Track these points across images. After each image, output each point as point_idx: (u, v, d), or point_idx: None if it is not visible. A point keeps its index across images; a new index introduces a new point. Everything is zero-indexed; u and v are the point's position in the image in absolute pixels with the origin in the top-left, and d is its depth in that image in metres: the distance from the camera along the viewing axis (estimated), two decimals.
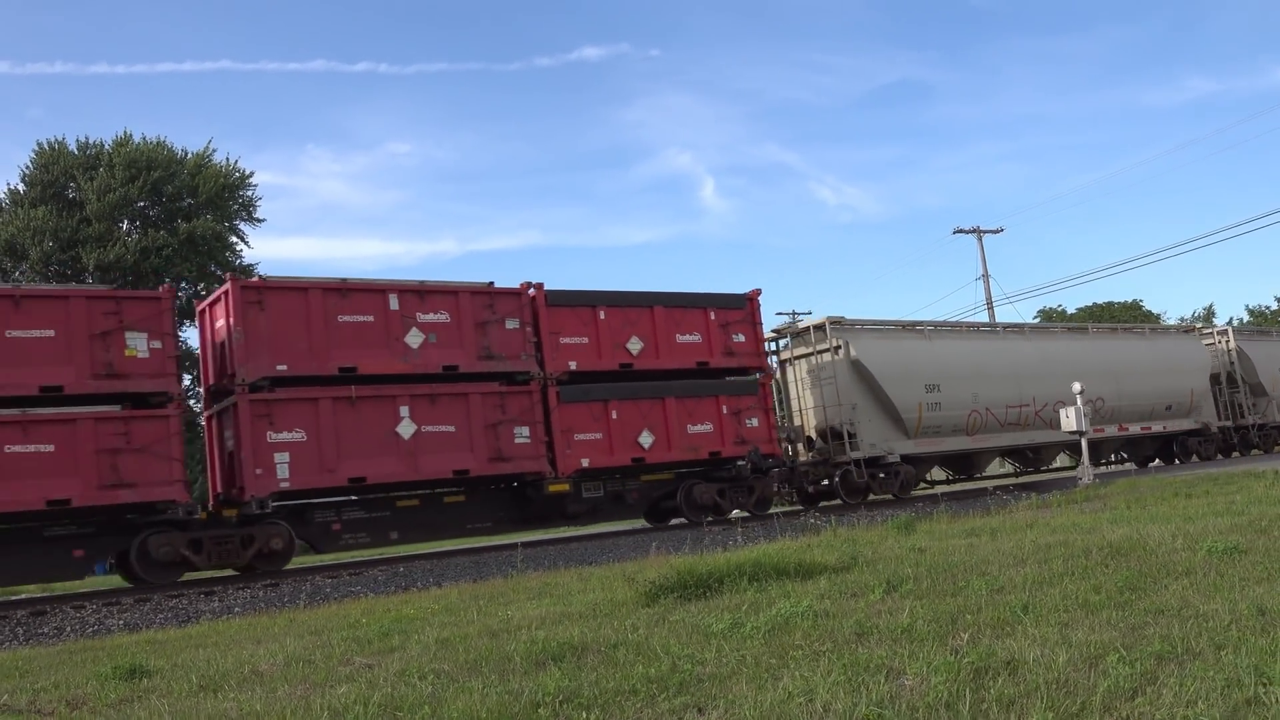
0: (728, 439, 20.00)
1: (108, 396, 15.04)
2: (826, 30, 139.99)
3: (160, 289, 15.96)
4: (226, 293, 16.31)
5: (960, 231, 49.59)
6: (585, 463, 18.41)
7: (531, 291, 18.59)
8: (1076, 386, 22.46)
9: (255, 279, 17.44)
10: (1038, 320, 69.20)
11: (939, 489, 25.72)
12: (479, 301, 17.88)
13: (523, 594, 10.32)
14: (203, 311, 17.69)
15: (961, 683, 4.48)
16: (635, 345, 19.46)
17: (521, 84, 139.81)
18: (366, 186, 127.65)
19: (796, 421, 23.59)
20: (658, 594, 8.08)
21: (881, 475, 22.81)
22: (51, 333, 14.60)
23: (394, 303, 17.11)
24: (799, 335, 24.21)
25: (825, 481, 23.04)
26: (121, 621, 12.41)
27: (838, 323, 23.46)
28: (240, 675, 6.68)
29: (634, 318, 19.58)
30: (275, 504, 15.89)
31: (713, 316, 20.45)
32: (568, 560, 15.14)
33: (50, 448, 14.29)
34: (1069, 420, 22.52)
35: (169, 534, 15.28)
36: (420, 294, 17.38)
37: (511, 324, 18.10)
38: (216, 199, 44.07)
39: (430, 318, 17.37)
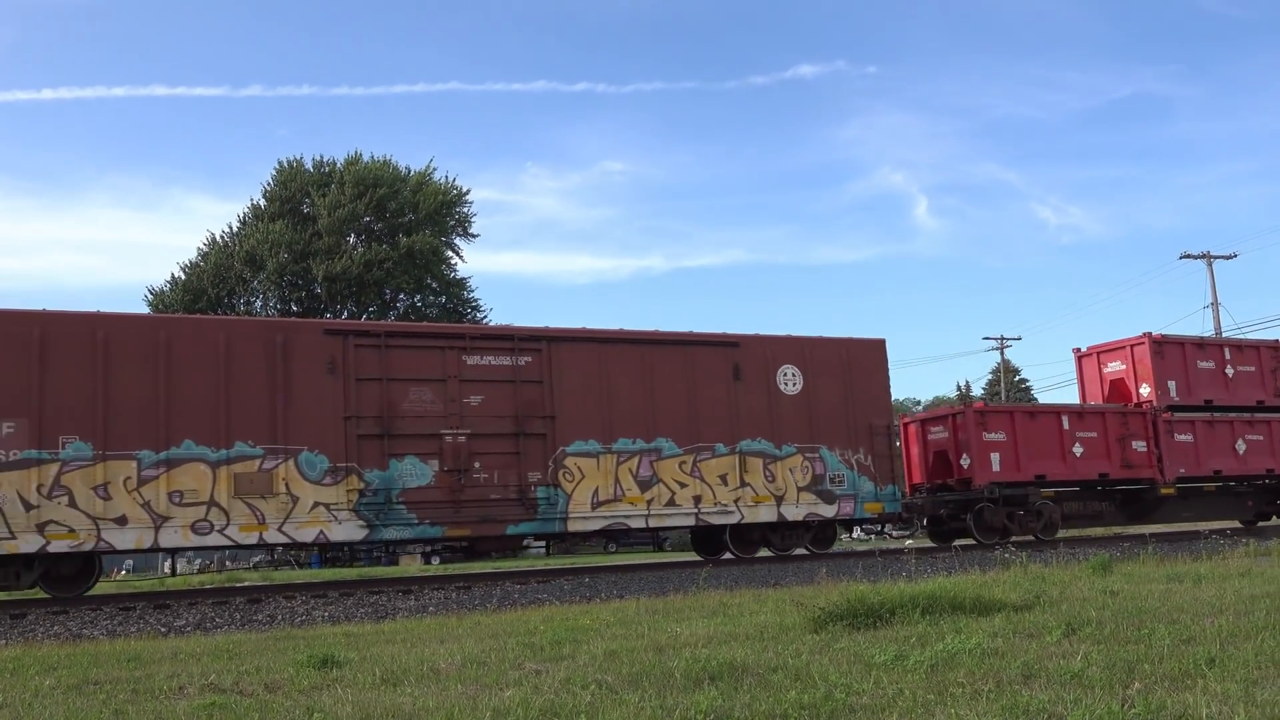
0: None
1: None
2: (1054, 44, 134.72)
3: None
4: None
5: (1188, 257, 46.76)
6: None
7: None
8: None
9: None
10: None
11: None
12: None
13: (697, 612, 10.43)
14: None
15: None
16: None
17: (736, 102, 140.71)
18: (580, 203, 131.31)
19: None
20: (826, 621, 8.03)
21: None
22: (1252, 368, 24.78)
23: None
24: None
25: None
26: (325, 614, 13.25)
27: None
28: (420, 672, 7.04)
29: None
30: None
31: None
32: (750, 581, 15.16)
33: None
34: None
35: None
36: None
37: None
38: (435, 215, 46.35)
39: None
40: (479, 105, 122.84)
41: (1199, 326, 61.96)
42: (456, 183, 48.09)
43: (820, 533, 20.22)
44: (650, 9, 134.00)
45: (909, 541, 22.20)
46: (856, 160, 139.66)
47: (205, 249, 45.18)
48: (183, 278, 44.03)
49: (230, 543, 15.73)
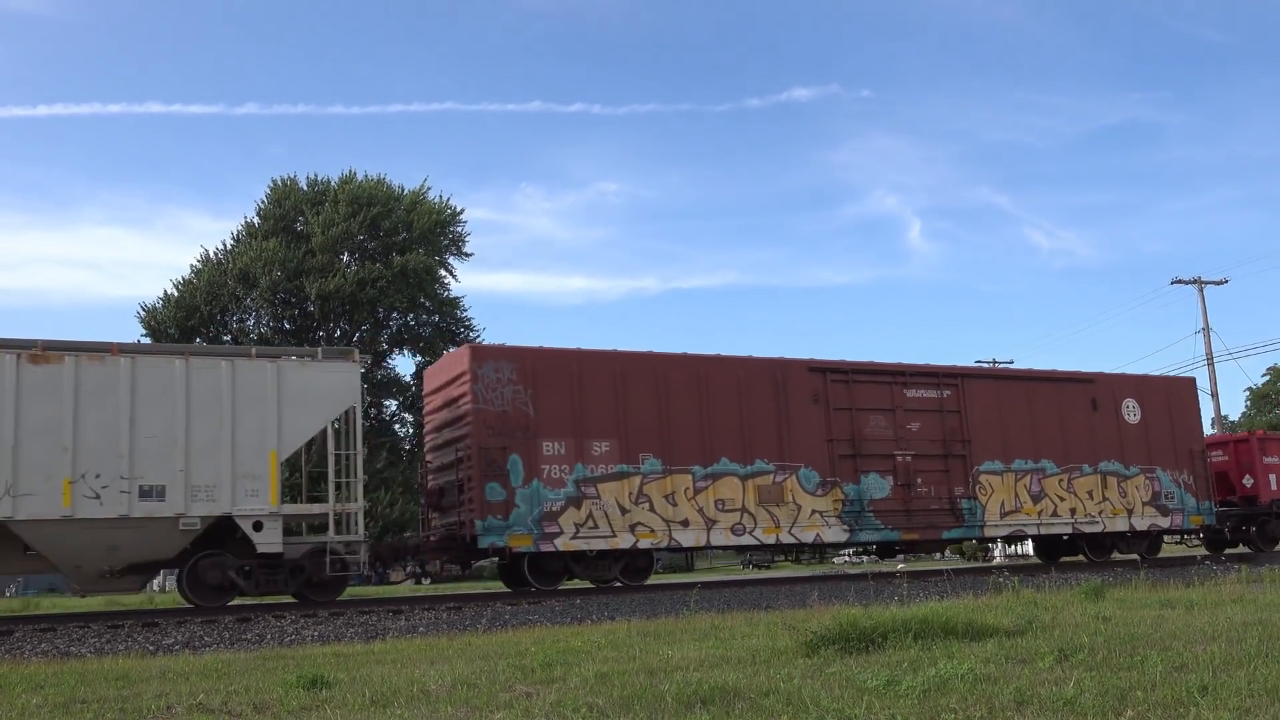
0: None
1: None
2: (1046, 70, 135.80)
3: None
4: None
5: (1179, 282, 47.00)
6: None
7: None
8: None
9: None
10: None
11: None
12: None
13: (689, 634, 10.40)
14: None
15: None
16: None
17: (730, 124, 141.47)
18: (574, 224, 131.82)
19: None
20: (819, 644, 8.00)
21: None
22: None
23: None
24: None
25: None
26: (315, 633, 13.18)
27: None
28: (410, 693, 7.00)
29: None
30: None
31: None
32: (741, 603, 15.12)
33: None
34: None
35: None
36: None
37: None
38: (429, 234, 46.39)
39: None
40: (474, 125, 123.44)
41: (1190, 352, 62.34)
42: (450, 202, 48.25)
43: (1153, 542, 24.13)
44: (646, 32, 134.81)
45: (900, 566, 22.25)
46: (850, 183, 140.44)
47: (199, 266, 45.15)
48: (175, 294, 43.96)
49: (756, 543, 19.10)
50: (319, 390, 15.87)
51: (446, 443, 18.34)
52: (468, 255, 49.26)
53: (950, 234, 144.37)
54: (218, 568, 15.45)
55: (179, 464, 14.85)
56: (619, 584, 18.29)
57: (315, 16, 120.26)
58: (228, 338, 43.52)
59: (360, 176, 46.72)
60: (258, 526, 15.18)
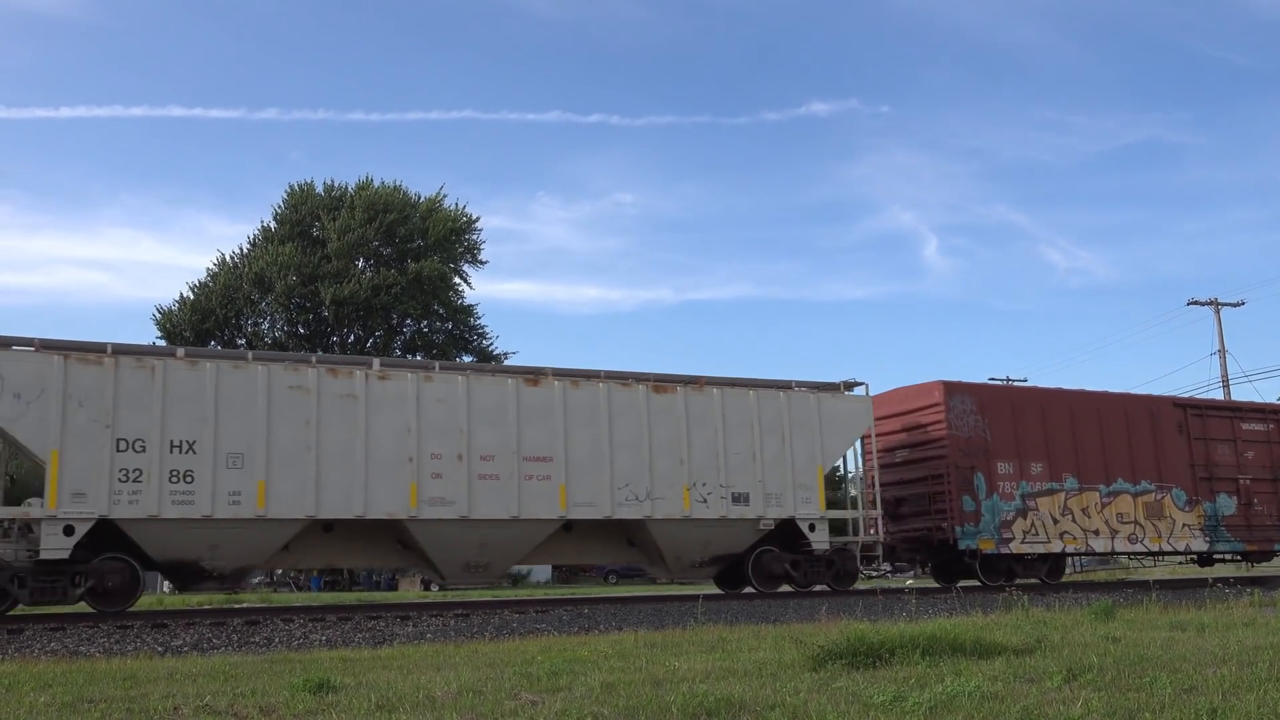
0: None
1: None
2: (1065, 88, 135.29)
3: None
4: None
5: (1195, 303, 46.81)
6: None
7: None
8: None
9: None
10: None
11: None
12: None
13: (695, 646, 10.38)
14: None
15: None
16: None
17: (747, 137, 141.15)
18: (590, 234, 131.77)
19: None
20: (825, 659, 7.98)
21: None
22: None
23: None
24: None
25: None
26: (323, 637, 13.19)
27: None
28: (415, 699, 7.00)
29: None
30: None
31: None
32: (749, 616, 15.09)
33: None
34: None
35: None
36: None
37: None
38: (444, 241, 46.53)
39: None
40: (492, 133, 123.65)
41: (1205, 373, 62.08)
42: (466, 210, 48.40)
43: None
44: (666, 43, 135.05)
45: (909, 581, 22.19)
46: (867, 198, 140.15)
47: (214, 270, 45.37)
48: (191, 298, 44.17)
49: (1145, 551, 22.22)
50: (846, 416, 19.65)
51: (908, 461, 21.64)
52: (482, 263, 49.41)
53: (966, 251, 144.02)
54: (777, 560, 18.85)
55: (757, 475, 18.52)
56: (1035, 582, 21.48)
57: (337, 24, 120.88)
58: (242, 341, 43.68)
59: (377, 183, 46.95)
60: (811, 528, 18.82)
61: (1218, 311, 46.26)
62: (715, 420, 18.31)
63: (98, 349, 15.17)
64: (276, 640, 13.08)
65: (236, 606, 20.51)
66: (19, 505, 15.04)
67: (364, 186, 46.52)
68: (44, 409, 14.48)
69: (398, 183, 47.30)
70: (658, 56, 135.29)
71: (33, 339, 14.98)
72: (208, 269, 46.23)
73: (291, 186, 47.07)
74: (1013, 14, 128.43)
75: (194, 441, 15.15)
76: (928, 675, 7.25)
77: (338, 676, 8.11)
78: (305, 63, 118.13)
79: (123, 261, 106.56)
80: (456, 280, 47.70)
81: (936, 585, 22.02)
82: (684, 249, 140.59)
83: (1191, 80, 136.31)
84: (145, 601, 24.07)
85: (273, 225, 46.54)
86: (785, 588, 19.36)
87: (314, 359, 16.48)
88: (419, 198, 47.33)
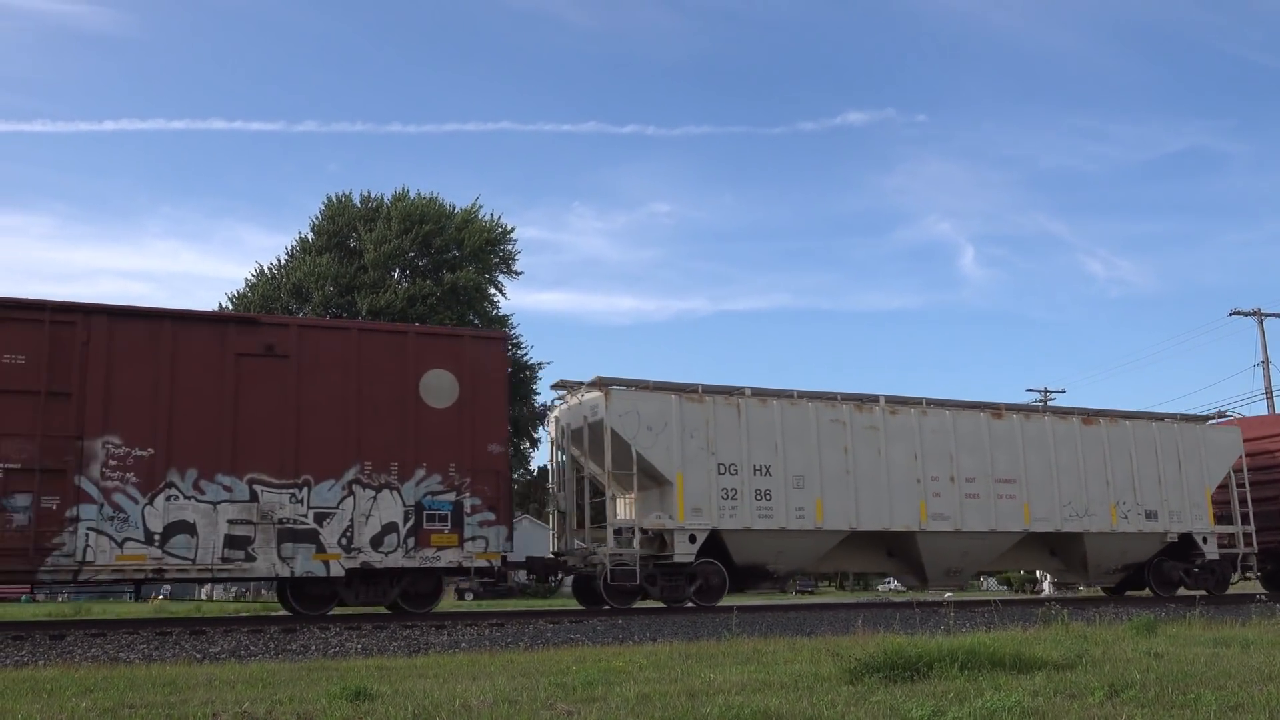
0: None
1: None
2: (1107, 97, 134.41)
3: None
4: None
5: (1238, 314, 46.12)
6: None
7: None
8: None
9: None
10: None
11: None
12: None
13: (730, 658, 10.33)
14: None
15: None
16: None
17: (783, 148, 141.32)
18: (625, 244, 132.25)
19: None
20: (863, 672, 7.92)
21: None
22: None
23: None
24: None
25: None
26: (359, 646, 13.25)
27: None
28: (451, 708, 7.02)
29: None
30: None
31: None
32: (783, 628, 15.00)
33: None
34: None
35: None
36: None
37: None
38: (479, 252, 46.75)
39: None
40: (529, 144, 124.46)
41: (1248, 385, 60.97)
42: (501, 220, 48.58)
43: None
44: (702, 54, 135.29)
45: (947, 595, 22.01)
46: (903, 208, 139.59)
47: (253, 280, 45.84)
48: (229, 308, 44.64)
49: None
50: (1224, 444, 23.12)
51: (1254, 482, 23.83)
52: (517, 273, 49.52)
53: (1004, 261, 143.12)
54: (1174, 569, 22.18)
55: (1162, 495, 21.86)
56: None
57: (376, 38, 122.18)
58: None
59: (414, 194, 47.24)
60: (1204, 540, 22.14)
61: (1261, 322, 45.56)
62: (1129, 447, 21.87)
63: (691, 389, 18.75)
64: (313, 648, 13.16)
65: (273, 615, 20.67)
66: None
67: (400, 198, 46.86)
68: (668, 439, 18.07)
69: (434, 194, 47.61)
70: (694, 67, 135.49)
71: (646, 381, 18.65)
72: (246, 279, 46.70)
73: (329, 198, 47.47)
74: (1052, 22, 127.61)
75: (769, 466, 18.66)
76: (967, 689, 7.18)
77: (374, 684, 8.14)
78: (344, 76, 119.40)
79: (164, 272, 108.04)
80: (492, 290, 47.90)
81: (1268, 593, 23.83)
82: (719, 259, 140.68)
83: (1233, 87, 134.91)
84: (183, 608, 24.27)
85: (310, 236, 46.95)
86: (1135, 591, 23.14)
87: (839, 396, 19.90)
88: (454, 208, 47.60)
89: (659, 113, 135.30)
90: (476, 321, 46.76)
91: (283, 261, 46.51)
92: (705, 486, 18.04)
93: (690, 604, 18.16)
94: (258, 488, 15.48)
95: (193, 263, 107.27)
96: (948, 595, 21.49)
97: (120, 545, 14.69)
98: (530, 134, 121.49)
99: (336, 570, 15.67)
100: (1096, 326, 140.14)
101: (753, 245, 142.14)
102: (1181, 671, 8.08)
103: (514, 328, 48.33)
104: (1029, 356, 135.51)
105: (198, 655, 12.41)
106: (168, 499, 15.02)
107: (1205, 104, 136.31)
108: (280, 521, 15.46)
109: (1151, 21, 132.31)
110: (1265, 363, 45.00)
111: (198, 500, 15.16)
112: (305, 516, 15.62)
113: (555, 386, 19.93)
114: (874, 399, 20.14)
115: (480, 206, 48.33)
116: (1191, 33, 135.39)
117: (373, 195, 47.58)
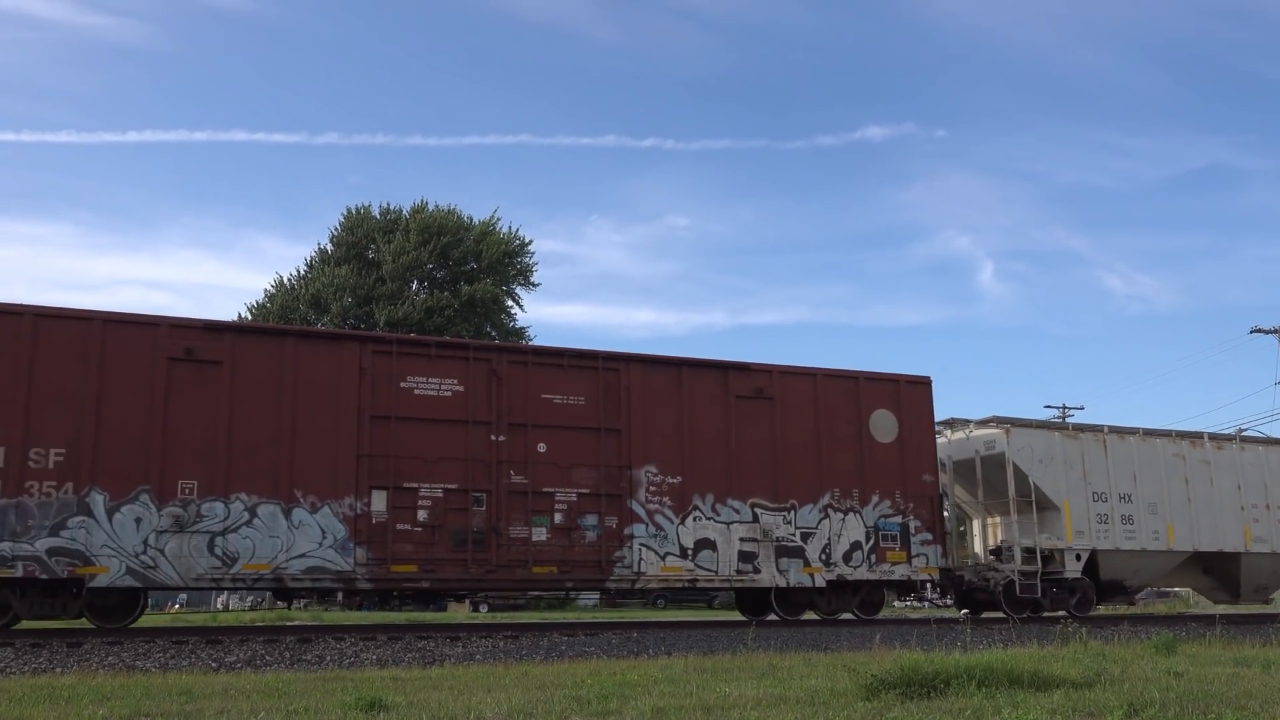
0: None
1: None
2: (1127, 112, 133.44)
3: None
4: None
5: (1259, 331, 45.80)
6: None
7: None
8: None
9: None
10: None
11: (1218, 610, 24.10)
12: None
13: (746, 673, 10.28)
14: None
15: None
16: None
17: (802, 162, 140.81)
18: (644, 257, 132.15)
19: None
20: (879, 688, 7.87)
21: None
22: None
23: None
24: None
25: None
26: (374, 656, 13.26)
27: None
28: None
29: None
30: None
31: None
32: (800, 643, 14.93)
33: None
34: None
35: None
36: None
37: None
38: (497, 264, 46.91)
39: None
40: (548, 157, 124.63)
41: (1269, 403, 60.55)
42: (519, 233, 48.75)
43: None
44: (721, 69, 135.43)
45: (963, 612, 21.87)
46: (922, 222, 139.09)
47: (272, 290, 46.09)
48: (249, 318, 44.87)
49: None
50: None
51: None
52: (535, 285, 49.70)
53: (1023, 276, 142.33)
54: None
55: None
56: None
57: (397, 49, 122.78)
58: None
59: (433, 206, 47.48)
60: None
61: None
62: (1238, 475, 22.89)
63: (1063, 426, 22.13)
64: (328, 658, 13.16)
65: (289, 625, 20.71)
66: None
67: (418, 210, 47.09)
68: (1055, 470, 20.53)
69: (452, 206, 47.84)
70: (713, 81, 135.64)
71: (1029, 419, 21.82)
72: (265, 290, 46.99)
73: (348, 209, 47.76)
74: (1072, 37, 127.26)
75: (1130, 494, 21.18)
76: (984, 707, 7.13)
77: (389, 695, 8.14)
78: (365, 88, 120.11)
79: (184, 283, 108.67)
80: (509, 303, 48.04)
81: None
82: (738, 272, 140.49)
83: (1254, 103, 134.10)
84: (199, 618, 24.31)
85: (329, 248, 47.22)
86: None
87: (1174, 434, 22.30)
88: (472, 221, 47.80)
89: (678, 126, 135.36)
90: (494, 334, 46.89)
91: (302, 272, 46.78)
92: (1084, 511, 20.69)
93: (1065, 614, 20.38)
94: (758, 510, 18.22)
95: (213, 272, 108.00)
96: (964, 612, 21.36)
97: (662, 558, 17.45)
98: (549, 147, 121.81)
99: (820, 581, 18.51)
100: (1116, 343, 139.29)
101: (771, 259, 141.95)
102: (1202, 691, 8.00)
103: (531, 340, 48.44)
104: (1047, 372, 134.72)
105: (214, 664, 12.43)
106: (694, 519, 17.80)
107: (1225, 119, 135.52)
108: (776, 540, 18.23)
109: (1171, 37, 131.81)
110: None
111: (715, 521, 17.94)
112: (794, 535, 18.40)
113: (942, 424, 21.71)
114: (1198, 435, 22.79)
115: (498, 219, 48.59)
116: (1211, 48, 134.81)
117: (391, 207, 47.86)
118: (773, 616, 19.07)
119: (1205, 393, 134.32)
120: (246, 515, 15.37)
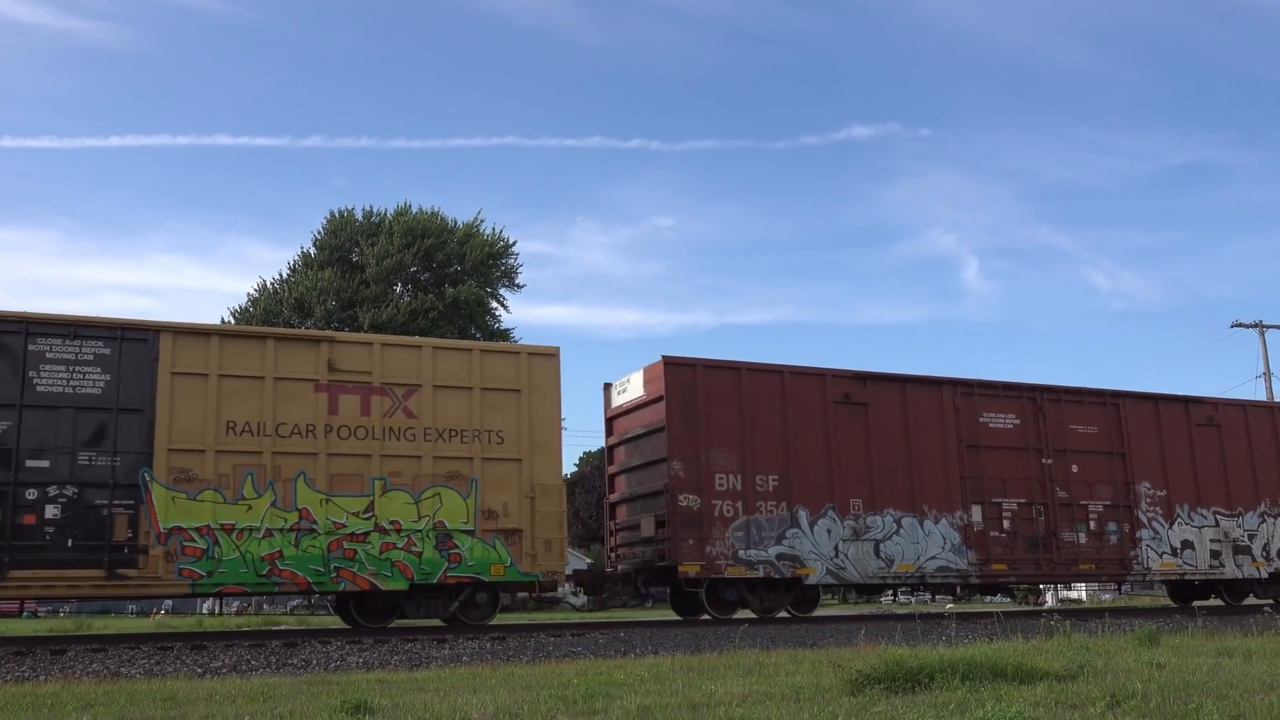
0: None
1: None
2: (1111, 110, 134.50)
3: None
4: None
5: (1239, 325, 46.08)
6: None
7: None
8: None
9: None
10: None
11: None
12: None
13: (732, 670, 10.31)
14: None
15: None
16: None
17: (787, 161, 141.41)
18: (629, 258, 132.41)
19: None
20: (864, 683, 7.90)
21: None
22: None
23: None
24: None
25: None
26: (360, 660, 13.23)
27: None
28: None
29: None
30: None
31: None
32: (787, 640, 14.97)
33: None
34: None
35: None
36: None
37: None
38: (481, 266, 46.84)
39: None
40: (533, 159, 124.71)
41: (1249, 395, 60.75)
42: (503, 234, 48.71)
43: None
44: (706, 69, 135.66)
45: (949, 606, 22.02)
46: (907, 221, 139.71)
47: (255, 294, 45.92)
48: (232, 322, 44.69)
49: None
50: None
51: None
52: (520, 287, 49.66)
53: (1008, 273, 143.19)
54: None
55: None
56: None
57: (381, 53, 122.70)
58: None
59: (417, 209, 47.40)
60: None
61: (1263, 334, 45.56)
62: None
63: None
64: (314, 662, 13.13)
65: (275, 629, 20.64)
66: None
67: (402, 212, 46.99)
68: None
69: (435, 208, 47.77)
70: (698, 82, 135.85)
71: None
72: (248, 294, 46.83)
73: (331, 213, 47.65)
74: (1055, 35, 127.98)
75: None
76: (968, 700, 7.16)
77: (375, 698, 8.13)
78: (349, 91, 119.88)
79: (168, 288, 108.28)
80: (494, 304, 47.98)
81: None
82: (723, 272, 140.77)
83: (1236, 100, 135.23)
84: (185, 623, 24.20)
85: (312, 251, 47.07)
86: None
87: None
88: (456, 223, 47.72)
89: (663, 127, 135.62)
90: (478, 335, 46.83)
91: (285, 276, 46.63)
92: None
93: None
94: (1218, 516, 22.61)
95: (196, 277, 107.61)
96: (949, 607, 21.54)
97: (1160, 556, 21.83)
98: (534, 149, 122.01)
99: (1263, 574, 22.95)
100: (1099, 339, 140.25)
101: (756, 258, 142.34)
102: (1184, 681, 8.06)
103: (516, 341, 48.32)
104: (1032, 369, 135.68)
105: (199, 670, 12.38)
106: (1179, 524, 22.20)
107: (1208, 116, 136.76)
108: (1234, 540, 22.58)
109: (1155, 34, 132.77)
110: (1267, 374, 45.02)
111: (1191, 525, 22.31)
112: (1243, 537, 22.76)
113: None
114: None
115: (482, 221, 48.55)
116: (1195, 45, 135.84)
117: (375, 210, 47.74)
118: (1216, 601, 23.34)
119: (1188, 386, 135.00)
120: (895, 526, 19.44)
